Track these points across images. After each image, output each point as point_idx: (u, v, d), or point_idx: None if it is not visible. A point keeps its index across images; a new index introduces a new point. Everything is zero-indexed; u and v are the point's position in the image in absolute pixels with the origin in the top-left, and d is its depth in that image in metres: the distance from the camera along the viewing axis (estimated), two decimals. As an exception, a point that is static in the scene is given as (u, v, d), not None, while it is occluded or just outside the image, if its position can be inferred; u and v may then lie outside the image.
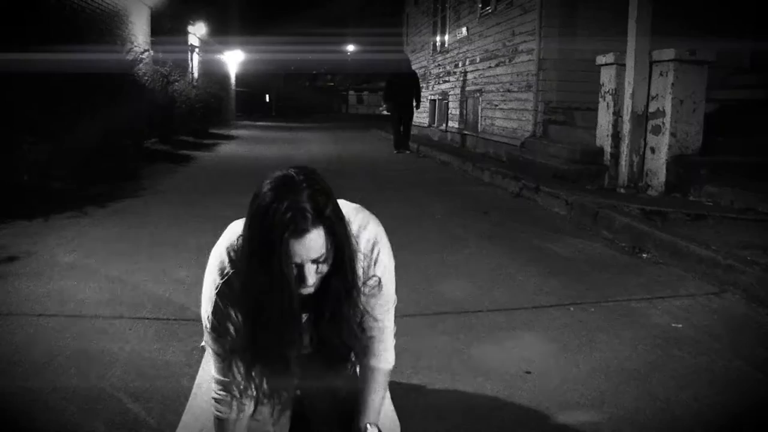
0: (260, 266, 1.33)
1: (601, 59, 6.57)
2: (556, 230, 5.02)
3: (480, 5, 11.14)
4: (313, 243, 1.32)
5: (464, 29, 12.12)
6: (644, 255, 4.24)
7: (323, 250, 1.35)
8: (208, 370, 1.63)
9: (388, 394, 1.75)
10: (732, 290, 3.43)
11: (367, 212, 1.59)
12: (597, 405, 2.23)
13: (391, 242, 1.67)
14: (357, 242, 1.51)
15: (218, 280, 1.45)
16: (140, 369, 2.41)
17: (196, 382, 1.74)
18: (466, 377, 2.43)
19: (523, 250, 4.39)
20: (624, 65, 6.10)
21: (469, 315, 3.11)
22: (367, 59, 34.47)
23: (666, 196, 5.68)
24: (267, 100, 32.59)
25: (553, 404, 2.23)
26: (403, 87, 11.73)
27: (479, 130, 11.07)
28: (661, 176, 5.79)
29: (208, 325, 1.48)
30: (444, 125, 13.64)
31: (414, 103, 11.86)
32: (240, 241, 1.42)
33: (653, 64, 5.88)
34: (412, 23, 17.75)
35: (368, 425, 1.61)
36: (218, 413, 1.53)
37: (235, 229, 1.48)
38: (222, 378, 1.51)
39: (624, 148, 6.10)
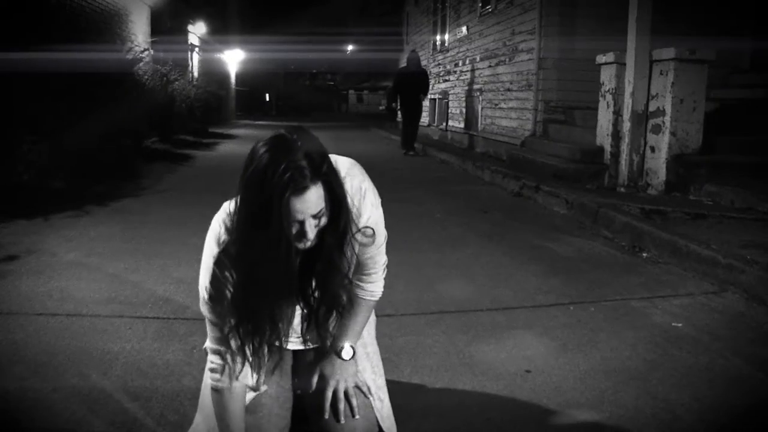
0: (260, 227, 1.35)
1: (601, 58, 6.57)
2: (556, 229, 5.03)
3: (480, 4, 11.13)
4: (313, 199, 1.36)
5: (464, 28, 12.12)
6: (644, 254, 4.24)
7: (322, 205, 1.38)
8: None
9: (387, 398, 1.74)
10: (732, 289, 3.43)
11: (348, 160, 1.60)
12: (597, 404, 2.23)
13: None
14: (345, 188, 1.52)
15: (215, 250, 1.47)
16: (140, 368, 2.41)
17: (204, 382, 1.74)
18: (466, 376, 2.43)
19: (523, 249, 4.39)
20: (624, 64, 6.10)
21: (468, 314, 3.11)
22: (367, 58, 34.49)
23: (666, 195, 5.68)
24: (267, 99, 32.55)
25: (553, 403, 2.23)
26: (412, 85, 11.42)
27: (479, 129, 11.06)
28: (661, 175, 5.79)
29: (206, 295, 1.49)
30: (444, 124, 13.63)
31: (420, 97, 11.68)
32: (235, 210, 1.44)
33: (653, 63, 5.88)
34: (412, 22, 17.74)
35: (345, 345, 1.66)
36: (214, 383, 1.55)
37: (228, 206, 1.51)
38: (217, 347, 1.53)
39: (624, 147, 6.10)
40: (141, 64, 10.17)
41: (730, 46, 7.17)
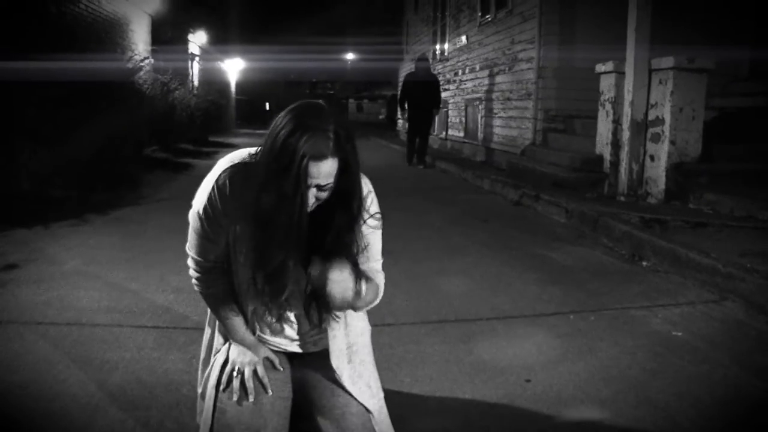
0: (275, 178, 1.41)
1: (600, 67, 6.59)
2: (556, 238, 5.03)
3: (480, 13, 11.17)
4: (326, 170, 1.41)
5: (464, 37, 12.16)
6: (644, 263, 4.24)
7: (331, 180, 1.44)
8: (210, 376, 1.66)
9: (386, 410, 1.73)
10: (732, 298, 3.43)
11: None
12: (597, 413, 2.22)
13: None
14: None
15: (220, 174, 1.53)
16: (139, 377, 2.41)
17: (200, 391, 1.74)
18: (466, 385, 2.43)
19: (523, 258, 4.39)
20: (623, 73, 6.12)
21: (468, 323, 3.11)
22: (366, 67, 34.54)
23: (666, 204, 5.68)
24: (267, 108, 32.61)
25: (553, 412, 2.23)
26: (421, 96, 10.51)
27: (479, 138, 11.08)
28: (661, 184, 5.80)
29: (201, 212, 1.55)
30: (444, 133, 13.66)
31: (434, 112, 10.92)
32: (255, 154, 1.52)
33: (652, 72, 5.90)
34: (412, 32, 17.79)
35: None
36: (198, 288, 1.64)
37: (240, 152, 1.58)
38: (195, 257, 1.61)
39: (623, 156, 6.11)
40: (141, 72, 10.19)
41: (729, 54, 7.18)
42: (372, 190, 1.65)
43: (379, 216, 1.64)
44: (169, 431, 2.03)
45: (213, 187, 1.53)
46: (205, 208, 1.54)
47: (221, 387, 1.60)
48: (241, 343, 1.65)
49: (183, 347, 2.71)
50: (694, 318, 3.19)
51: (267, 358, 1.66)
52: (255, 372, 1.62)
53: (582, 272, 4.05)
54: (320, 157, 1.39)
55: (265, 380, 1.61)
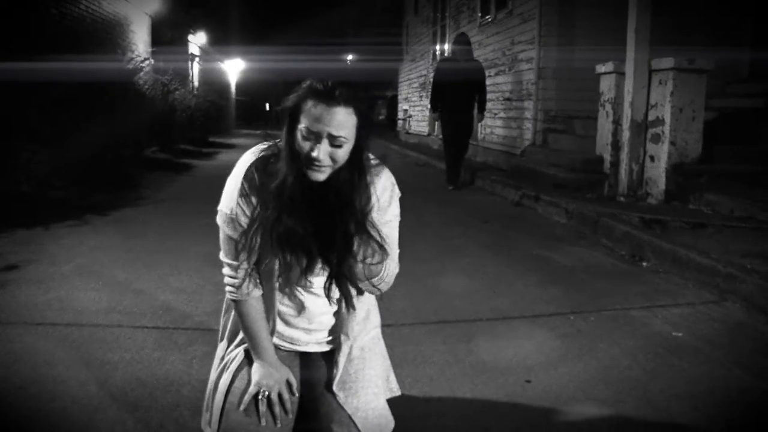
0: (288, 134, 1.45)
1: (600, 68, 6.59)
2: (556, 239, 5.03)
3: (480, 14, 11.17)
4: (338, 118, 1.41)
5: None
6: (644, 263, 4.24)
7: (344, 132, 1.42)
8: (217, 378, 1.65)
9: (383, 395, 1.73)
10: (732, 299, 3.43)
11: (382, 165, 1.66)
12: (597, 413, 2.22)
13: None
14: (374, 186, 1.60)
15: (247, 166, 1.54)
16: (140, 378, 2.41)
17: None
18: (466, 386, 2.43)
19: (523, 259, 4.39)
20: (623, 74, 6.12)
21: (468, 324, 3.11)
22: (367, 68, 34.51)
23: (666, 205, 5.68)
24: (267, 108, 32.62)
25: (553, 413, 2.23)
26: (459, 88, 7.56)
27: (479, 138, 11.07)
28: (661, 184, 5.80)
29: (227, 211, 1.54)
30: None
31: (476, 112, 7.91)
32: (274, 143, 1.55)
33: (652, 73, 5.90)
34: (412, 32, 17.78)
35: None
36: (231, 295, 1.60)
37: (260, 145, 1.60)
38: (231, 261, 1.57)
39: (623, 157, 6.11)
40: (141, 73, 10.20)
41: (729, 55, 7.19)
42: (395, 184, 1.67)
43: (397, 212, 1.69)
44: (169, 432, 2.03)
45: (238, 184, 1.53)
46: (235, 206, 1.54)
47: (242, 407, 1.55)
48: (265, 359, 1.60)
49: (183, 348, 2.71)
50: (695, 319, 3.18)
51: (288, 381, 1.62)
52: (279, 395, 1.59)
53: (582, 273, 4.05)
54: (330, 101, 1.40)
55: (288, 405, 1.59)
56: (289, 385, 1.62)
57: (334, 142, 1.42)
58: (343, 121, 1.42)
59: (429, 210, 6.30)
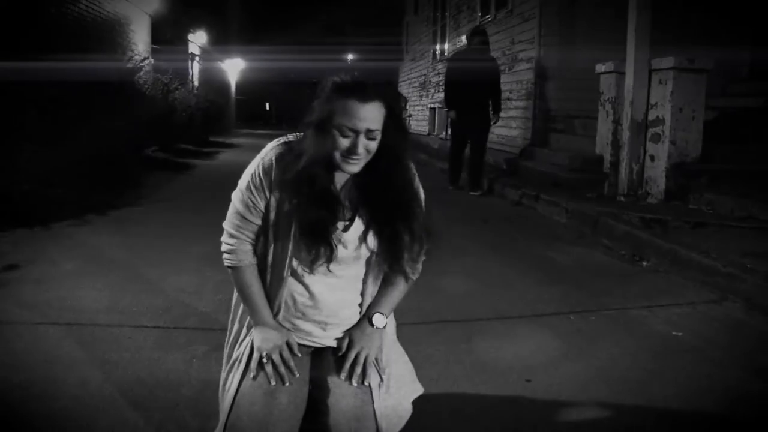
0: (317, 130, 1.49)
1: (600, 67, 6.59)
2: (556, 238, 5.03)
3: (480, 14, 11.17)
4: (372, 112, 1.48)
5: (464, 37, 12.11)
6: (644, 263, 4.24)
7: (378, 126, 1.50)
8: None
9: (407, 360, 1.89)
10: (732, 298, 3.43)
11: None
12: (597, 413, 2.22)
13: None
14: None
15: (267, 152, 1.59)
16: (140, 377, 2.41)
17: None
18: (467, 385, 2.43)
19: (523, 259, 4.39)
20: (623, 73, 6.12)
21: (469, 323, 3.11)
22: (367, 67, 34.50)
23: (666, 204, 5.68)
24: (267, 108, 32.63)
25: (553, 412, 2.23)
26: (472, 86, 7.28)
27: (479, 138, 11.06)
28: (661, 184, 5.80)
29: (244, 185, 1.60)
30: (444, 133, 13.63)
31: (491, 110, 7.63)
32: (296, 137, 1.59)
33: (652, 72, 5.90)
34: (411, 32, 17.79)
35: (377, 313, 1.75)
36: (228, 262, 1.65)
37: (284, 137, 1.64)
38: (233, 231, 1.64)
39: (624, 156, 6.11)
40: (141, 73, 10.19)
41: (729, 55, 7.17)
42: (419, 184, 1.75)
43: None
44: (169, 431, 2.03)
45: (259, 164, 1.58)
46: (249, 183, 1.58)
47: (252, 375, 1.59)
48: (263, 324, 1.65)
49: (183, 347, 2.71)
50: (695, 318, 3.19)
51: (287, 342, 1.66)
52: (281, 356, 1.64)
53: (582, 272, 4.05)
54: (364, 97, 1.46)
55: (291, 363, 1.63)
56: (289, 346, 1.66)
57: (370, 135, 1.50)
58: (378, 115, 1.49)
59: (429, 209, 6.28)
